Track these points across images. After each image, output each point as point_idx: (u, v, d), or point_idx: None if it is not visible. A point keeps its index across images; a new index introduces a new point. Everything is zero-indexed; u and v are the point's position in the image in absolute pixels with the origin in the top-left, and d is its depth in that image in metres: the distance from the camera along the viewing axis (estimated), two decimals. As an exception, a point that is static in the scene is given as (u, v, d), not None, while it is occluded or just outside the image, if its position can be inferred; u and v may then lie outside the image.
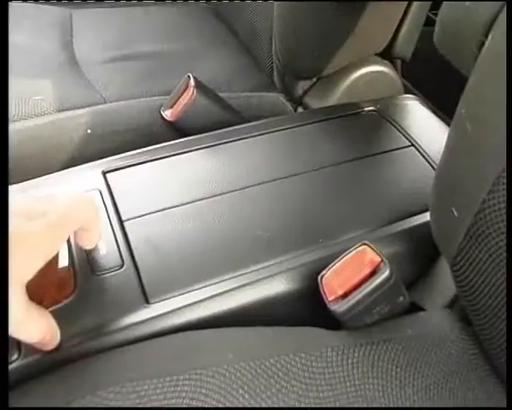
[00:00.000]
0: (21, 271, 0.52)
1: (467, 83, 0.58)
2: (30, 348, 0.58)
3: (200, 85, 0.98)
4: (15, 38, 1.19)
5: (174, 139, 0.87)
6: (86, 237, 0.62)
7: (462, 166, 0.58)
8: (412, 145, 0.87)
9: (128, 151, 0.85)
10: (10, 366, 0.58)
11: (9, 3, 1.31)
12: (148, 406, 0.54)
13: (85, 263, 0.66)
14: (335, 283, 0.64)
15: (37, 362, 0.59)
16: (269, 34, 1.17)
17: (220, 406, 0.55)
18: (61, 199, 0.58)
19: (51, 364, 0.59)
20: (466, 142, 0.57)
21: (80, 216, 0.58)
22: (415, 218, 0.75)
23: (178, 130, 0.99)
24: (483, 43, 0.54)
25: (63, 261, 0.64)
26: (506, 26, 0.52)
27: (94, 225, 0.61)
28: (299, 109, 1.12)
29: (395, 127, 0.91)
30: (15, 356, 0.58)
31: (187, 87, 0.98)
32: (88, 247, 0.64)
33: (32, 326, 0.55)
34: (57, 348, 0.59)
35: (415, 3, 1.04)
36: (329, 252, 0.70)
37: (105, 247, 0.68)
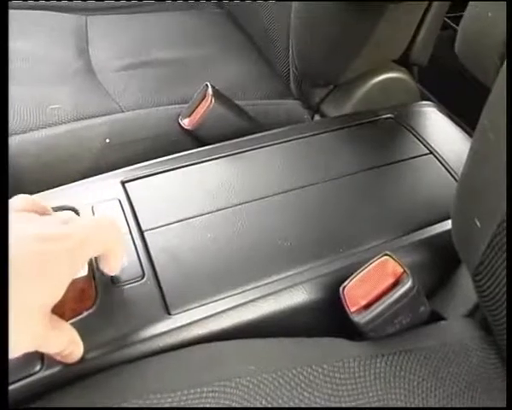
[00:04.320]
0: (46, 295, 0.51)
1: (489, 93, 0.57)
2: (53, 360, 0.58)
3: (218, 94, 0.98)
4: (31, 46, 1.20)
5: (192, 148, 0.87)
6: (108, 263, 0.61)
7: (485, 177, 0.58)
8: (431, 153, 0.87)
9: (146, 160, 0.85)
10: (32, 378, 0.58)
11: (25, 11, 1.32)
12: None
13: (106, 274, 0.66)
14: (357, 294, 0.64)
15: (60, 374, 0.59)
16: (285, 41, 1.17)
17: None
18: (82, 222, 0.58)
19: (74, 376, 0.59)
20: (489, 152, 0.57)
21: (101, 241, 0.58)
22: (435, 226, 0.75)
23: (196, 138, 1.00)
24: (505, 54, 0.54)
25: (82, 272, 0.64)
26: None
27: (115, 251, 0.61)
28: (316, 117, 1.12)
29: (413, 134, 0.91)
30: (38, 367, 0.58)
31: (205, 96, 0.98)
32: (111, 273, 0.63)
33: (53, 341, 0.55)
34: (79, 360, 0.59)
35: (432, 9, 1.03)
36: (350, 262, 0.70)
37: (126, 258, 0.68)
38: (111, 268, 0.62)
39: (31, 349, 0.53)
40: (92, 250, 0.57)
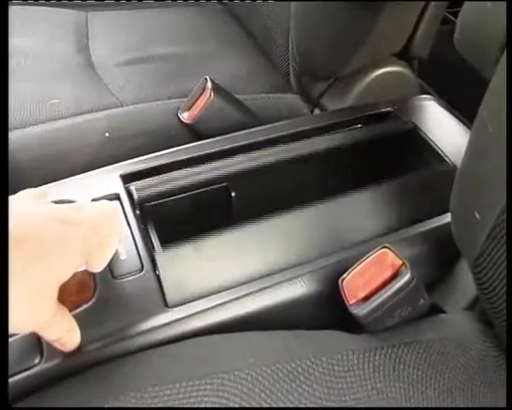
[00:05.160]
0: (60, 273, 0.53)
1: (488, 85, 0.57)
2: (52, 352, 0.58)
3: (217, 88, 0.98)
4: (32, 42, 1.20)
5: (192, 142, 0.87)
6: (100, 255, 0.59)
7: (484, 169, 0.58)
8: (431, 146, 0.87)
9: (146, 154, 0.85)
10: (32, 370, 0.58)
11: (26, 7, 1.32)
12: (171, 411, 0.54)
13: (105, 267, 0.65)
14: (356, 286, 0.64)
15: (59, 366, 0.59)
16: (284, 35, 1.17)
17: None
18: (93, 210, 0.58)
19: (72, 368, 0.59)
20: (488, 144, 0.57)
21: (107, 227, 0.59)
22: (435, 219, 0.75)
23: (196, 132, 0.99)
24: (505, 45, 0.54)
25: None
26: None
27: (115, 239, 0.61)
28: (316, 111, 1.12)
29: (413, 128, 0.90)
30: (37, 360, 0.59)
31: (204, 89, 0.98)
32: (97, 269, 0.60)
33: (55, 326, 0.55)
34: (78, 353, 0.59)
35: (432, 4, 1.03)
36: (349, 254, 0.70)
37: (124, 251, 0.68)
38: (101, 261, 0.60)
39: (37, 328, 0.54)
40: (100, 237, 0.58)
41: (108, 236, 0.59)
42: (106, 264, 0.60)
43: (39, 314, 0.52)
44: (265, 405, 0.56)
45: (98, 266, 0.60)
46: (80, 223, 0.55)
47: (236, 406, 0.55)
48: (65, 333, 0.57)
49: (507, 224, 0.53)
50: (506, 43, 0.53)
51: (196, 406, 0.54)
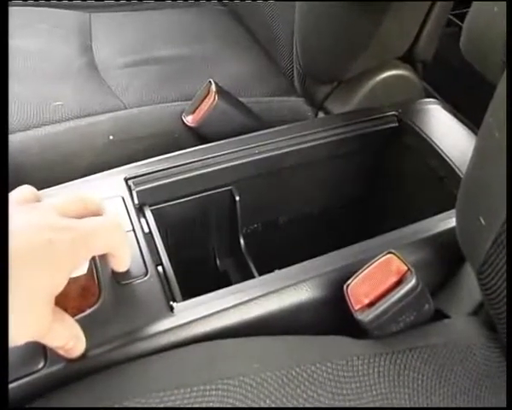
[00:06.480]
0: (52, 282, 0.53)
1: (495, 90, 0.57)
2: (56, 357, 0.58)
3: (221, 91, 0.98)
4: (34, 43, 1.20)
5: (195, 145, 0.87)
6: (115, 261, 0.63)
7: (490, 174, 0.58)
8: (434, 150, 0.87)
9: (149, 157, 0.84)
10: (36, 375, 0.58)
11: (29, 8, 1.32)
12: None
13: (109, 272, 0.65)
14: (361, 292, 0.64)
15: (63, 371, 0.59)
16: (288, 38, 1.17)
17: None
18: (88, 219, 0.58)
19: (77, 373, 0.59)
20: (494, 149, 0.57)
21: (105, 240, 0.58)
22: (439, 224, 0.75)
23: (200, 135, 0.99)
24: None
25: (81, 270, 0.64)
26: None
27: (121, 252, 0.62)
28: (320, 114, 1.12)
29: (417, 132, 0.90)
30: (41, 364, 0.58)
31: (208, 93, 0.98)
32: (119, 270, 0.64)
33: (56, 333, 0.55)
34: (82, 357, 0.59)
35: (437, 6, 1.03)
36: (354, 259, 0.69)
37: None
38: (118, 266, 0.63)
39: (34, 338, 0.53)
40: (95, 247, 0.58)
41: (112, 246, 0.60)
42: (123, 268, 0.64)
43: (34, 324, 0.52)
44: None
45: (118, 269, 0.64)
46: (69, 229, 0.54)
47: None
48: (68, 340, 0.57)
49: (507, 232, 0.53)
50: (506, 49, 0.53)
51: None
